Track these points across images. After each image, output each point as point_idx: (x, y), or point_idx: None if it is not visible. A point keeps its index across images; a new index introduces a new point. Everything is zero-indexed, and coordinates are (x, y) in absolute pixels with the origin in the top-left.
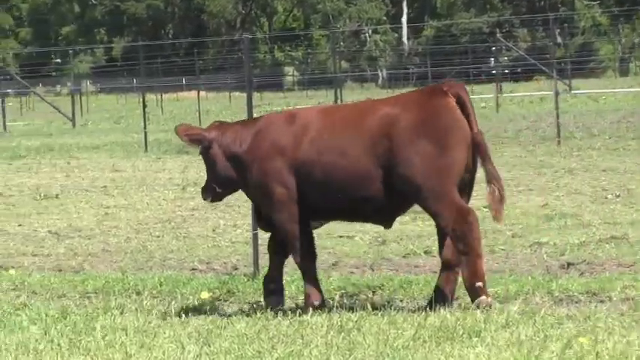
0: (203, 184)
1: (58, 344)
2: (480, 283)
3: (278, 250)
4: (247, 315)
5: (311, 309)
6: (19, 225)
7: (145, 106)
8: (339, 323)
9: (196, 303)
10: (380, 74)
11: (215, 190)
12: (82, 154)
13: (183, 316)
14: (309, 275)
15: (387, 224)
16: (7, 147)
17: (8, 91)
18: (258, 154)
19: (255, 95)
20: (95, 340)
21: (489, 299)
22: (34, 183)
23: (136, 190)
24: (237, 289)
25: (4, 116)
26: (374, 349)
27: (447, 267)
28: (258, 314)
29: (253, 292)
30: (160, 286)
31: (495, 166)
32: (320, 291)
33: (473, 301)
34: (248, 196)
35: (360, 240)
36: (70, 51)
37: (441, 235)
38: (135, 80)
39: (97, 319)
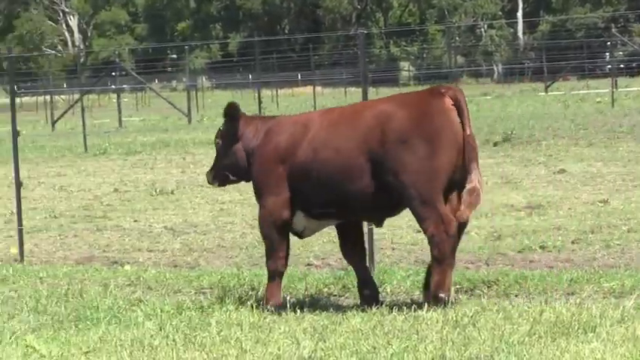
0: (210, 169)
1: (174, 340)
2: (443, 295)
3: (351, 253)
4: (362, 310)
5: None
6: (135, 221)
7: (260, 102)
8: (454, 318)
9: (312, 298)
10: (495, 69)
11: (229, 177)
12: (197, 150)
13: (299, 311)
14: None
15: (378, 222)
16: (123, 142)
17: (124, 86)
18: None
19: (371, 90)
20: (210, 335)
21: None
22: (149, 179)
23: (251, 185)
24: (353, 285)
25: (119, 112)
26: (489, 344)
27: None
28: (373, 309)
29: None
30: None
31: (480, 172)
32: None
33: (430, 303)
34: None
35: (475, 235)
36: (186, 47)
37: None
38: (250, 76)
39: (212, 314)
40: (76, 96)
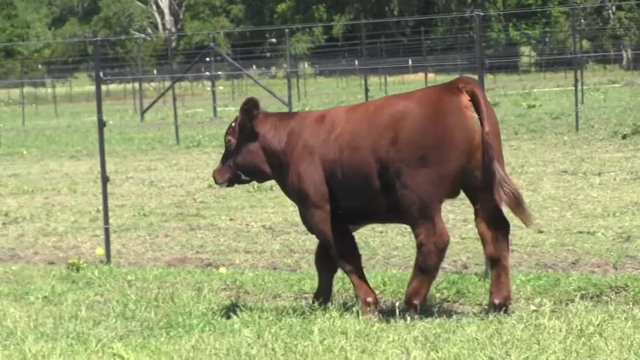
0: (217, 168)
1: (272, 349)
2: (417, 302)
3: (324, 261)
4: (478, 318)
5: (365, 307)
6: (231, 219)
7: (367, 90)
8: (579, 327)
9: (423, 304)
10: (624, 54)
11: (240, 177)
12: None
13: (409, 318)
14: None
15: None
16: (218, 134)
17: (219, 73)
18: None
19: (488, 77)
20: (312, 344)
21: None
22: None
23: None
24: (467, 290)
25: (214, 101)
26: (617, 355)
27: (495, 264)
28: (490, 317)
29: (485, 292)
30: (384, 285)
31: (504, 168)
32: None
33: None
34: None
35: (602, 236)
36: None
37: (483, 233)
38: (356, 62)
39: (314, 321)
40: (167, 83)
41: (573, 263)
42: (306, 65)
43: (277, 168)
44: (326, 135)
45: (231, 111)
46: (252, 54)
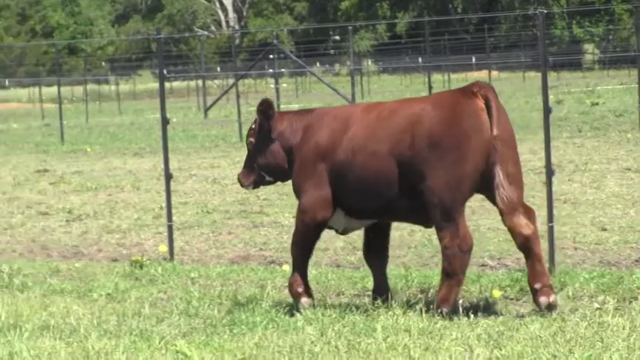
0: (242, 170)
1: (336, 346)
2: (446, 310)
3: (374, 257)
4: (541, 315)
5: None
6: (294, 217)
7: (430, 87)
8: None
9: (486, 302)
10: None
11: (264, 178)
12: None
13: (472, 316)
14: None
15: (426, 224)
16: None
17: (282, 70)
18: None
19: (551, 75)
20: (376, 341)
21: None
22: None
23: None
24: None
25: (277, 98)
26: None
27: (528, 254)
28: (554, 315)
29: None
30: None
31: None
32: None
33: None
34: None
35: None
36: (350, 27)
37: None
38: (420, 59)
39: (377, 319)
40: (231, 81)
41: (637, 261)
42: (369, 62)
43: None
44: (339, 135)
45: (294, 108)
46: (315, 51)
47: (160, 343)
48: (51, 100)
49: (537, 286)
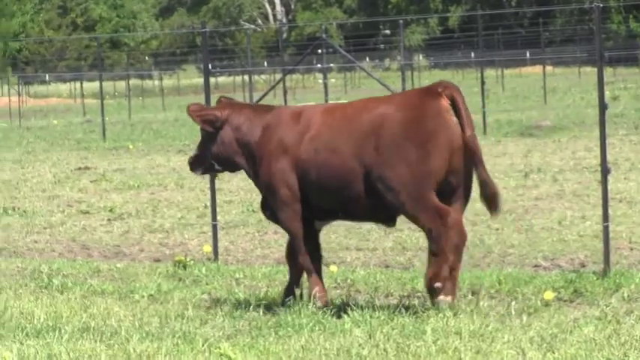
0: (194, 155)
1: (384, 349)
2: (439, 284)
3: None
4: (596, 318)
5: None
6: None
7: (483, 83)
8: None
9: (539, 304)
10: None
11: (214, 166)
12: None
13: (525, 318)
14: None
15: (389, 223)
16: None
17: (331, 65)
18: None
19: (607, 70)
20: (425, 344)
21: (448, 298)
22: None
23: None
24: (585, 289)
25: (326, 93)
26: None
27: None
28: (609, 317)
29: (603, 292)
30: (499, 284)
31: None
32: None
33: (431, 299)
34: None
35: None
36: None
37: None
38: (473, 54)
39: (427, 321)
40: (278, 76)
41: None
42: (420, 57)
43: (250, 160)
44: (300, 134)
45: None
46: (365, 46)
47: (203, 345)
48: (92, 95)
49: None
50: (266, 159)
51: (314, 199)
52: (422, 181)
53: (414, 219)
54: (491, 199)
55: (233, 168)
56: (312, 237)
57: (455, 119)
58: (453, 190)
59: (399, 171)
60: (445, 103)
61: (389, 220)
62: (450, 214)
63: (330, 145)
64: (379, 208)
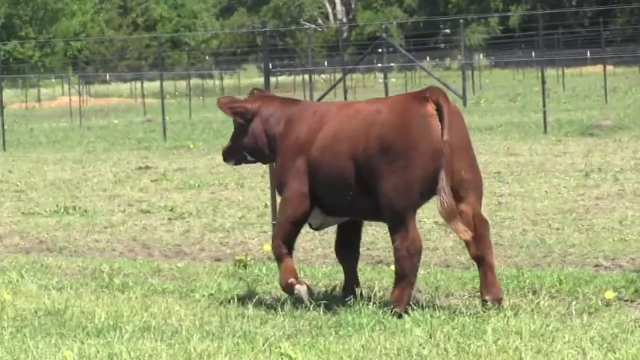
0: (227, 146)
1: (445, 349)
2: (398, 310)
3: (346, 255)
4: None
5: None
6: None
7: (544, 82)
8: None
9: (600, 304)
10: None
11: (246, 157)
12: (473, 136)
13: (585, 318)
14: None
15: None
16: None
17: (391, 65)
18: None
19: None
20: (486, 344)
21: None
22: None
23: (533, 176)
24: None
25: (386, 93)
26: None
27: (481, 263)
28: None
29: None
30: (560, 284)
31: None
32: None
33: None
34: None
35: None
36: (461, 20)
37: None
38: (533, 53)
39: (487, 320)
40: (338, 75)
41: None
42: (481, 57)
43: (274, 152)
44: (314, 131)
45: None
46: (425, 45)
47: (263, 345)
48: (153, 94)
49: (487, 298)
50: (283, 153)
51: (322, 195)
52: (406, 189)
53: (389, 231)
54: (447, 214)
55: (264, 159)
56: (353, 235)
57: (438, 125)
58: (461, 185)
59: (387, 175)
60: (431, 108)
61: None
62: (418, 241)
63: (334, 144)
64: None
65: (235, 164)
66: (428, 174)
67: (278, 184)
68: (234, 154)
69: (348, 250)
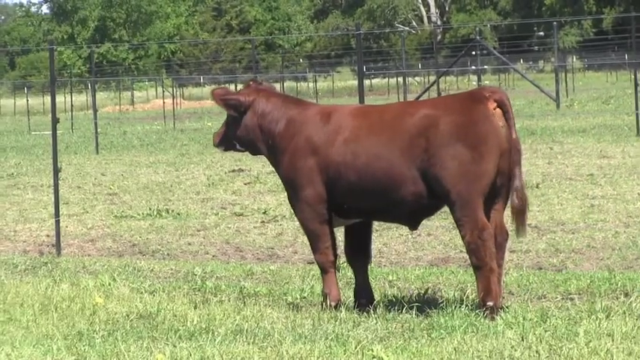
0: (219, 132)
1: (537, 351)
2: (491, 303)
3: (356, 257)
4: None
5: (328, 307)
6: None
7: (637, 85)
8: None
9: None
10: None
11: (235, 146)
12: (566, 139)
13: None
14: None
15: (414, 226)
16: None
17: (485, 67)
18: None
19: None
20: (578, 347)
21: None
22: None
23: (626, 178)
24: None
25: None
26: None
27: None
28: None
29: None
30: None
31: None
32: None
33: (484, 315)
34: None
35: None
36: (555, 23)
37: None
38: (626, 55)
39: (580, 323)
40: (432, 78)
41: None
42: (574, 59)
43: (272, 149)
44: (332, 136)
45: None
46: (519, 47)
47: (356, 347)
48: None
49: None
50: (290, 154)
51: (346, 200)
52: (473, 183)
53: (457, 224)
54: (519, 210)
55: (254, 151)
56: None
57: (501, 122)
58: (497, 191)
59: (451, 171)
60: (492, 106)
61: (414, 223)
62: (488, 228)
63: (371, 148)
64: (416, 211)
65: (225, 150)
66: (495, 169)
67: (290, 188)
68: (225, 141)
69: (358, 253)
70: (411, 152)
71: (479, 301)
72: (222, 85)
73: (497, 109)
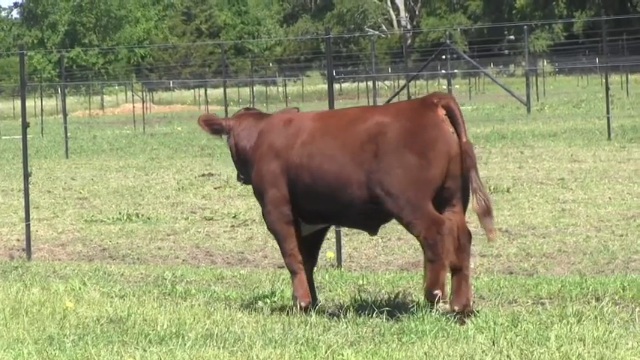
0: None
1: (507, 356)
2: (437, 291)
3: (304, 259)
4: None
5: (298, 309)
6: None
7: (607, 89)
8: None
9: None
10: None
11: (239, 176)
12: (537, 143)
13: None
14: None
15: (373, 231)
16: None
17: (455, 71)
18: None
19: None
20: (549, 351)
21: (447, 306)
22: (483, 175)
23: (597, 182)
24: None
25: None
26: None
27: (456, 272)
28: None
29: None
30: (623, 291)
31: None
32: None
33: (432, 307)
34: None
35: None
36: (525, 26)
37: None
38: (597, 59)
39: (551, 327)
40: (402, 82)
41: None
42: (545, 63)
43: (246, 164)
44: (292, 139)
45: (467, 110)
46: (489, 51)
47: (326, 352)
48: (216, 101)
49: (456, 308)
50: (257, 162)
51: (304, 202)
52: (420, 189)
53: (408, 226)
54: (482, 212)
55: (245, 176)
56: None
57: (451, 129)
58: (452, 195)
59: (399, 178)
60: (441, 113)
61: (374, 228)
62: (445, 222)
63: (325, 151)
64: (369, 215)
65: (242, 183)
66: (443, 174)
67: (257, 195)
68: (238, 173)
69: (306, 255)
70: (361, 157)
71: (425, 290)
72: (206, 112)
73: (446, 115)
